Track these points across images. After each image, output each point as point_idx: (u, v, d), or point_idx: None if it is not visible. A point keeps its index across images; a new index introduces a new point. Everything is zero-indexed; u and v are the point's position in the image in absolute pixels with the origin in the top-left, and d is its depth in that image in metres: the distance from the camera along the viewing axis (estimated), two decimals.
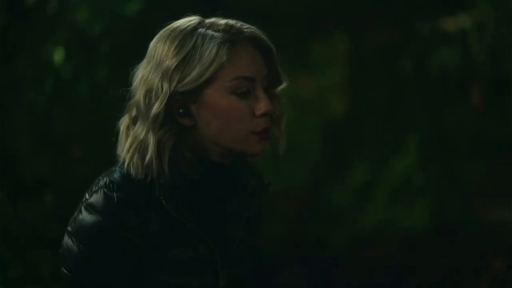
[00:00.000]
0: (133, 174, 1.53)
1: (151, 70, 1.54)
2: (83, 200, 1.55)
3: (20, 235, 3.75)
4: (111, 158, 1.61)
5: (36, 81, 4.11)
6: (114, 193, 1.51)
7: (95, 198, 1.52)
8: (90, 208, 1.52)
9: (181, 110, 1.54)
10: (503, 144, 4.93)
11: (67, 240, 1.55)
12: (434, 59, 4.79)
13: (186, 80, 1.52)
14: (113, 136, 1.63)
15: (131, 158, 1.54)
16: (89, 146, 4.19)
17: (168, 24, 1.58)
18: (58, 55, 4.06)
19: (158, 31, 1.58)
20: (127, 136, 1.58)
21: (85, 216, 1.53)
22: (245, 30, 1.55)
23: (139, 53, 1.60)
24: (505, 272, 4.26)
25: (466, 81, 4.95)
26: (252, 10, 4.44)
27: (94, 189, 1.54)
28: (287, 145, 1.65)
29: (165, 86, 1.52)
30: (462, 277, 4.33)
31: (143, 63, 1.58)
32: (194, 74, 1.51)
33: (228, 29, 1.54)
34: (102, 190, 1.52)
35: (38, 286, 3.65)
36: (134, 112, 1.58)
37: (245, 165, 1.65)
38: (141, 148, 1.54)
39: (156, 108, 1.52)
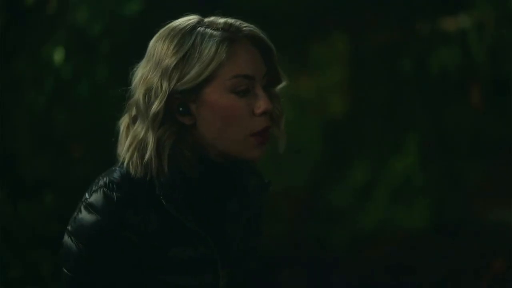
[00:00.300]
0: (133, 173, 1.53)
1: (151, 69, 1.55)
2: (82, 200, 1.55)
3: (20, 235, 3.75)
4: (111, 158, 1.61)
5: (36, 81, 4.11)
6: (114, 193, 1.51)
7: (95, 197, 1.52)
8: (90, 207, 1.52)
9: (180, 109, 1.54)
10: (503, 144, 4.93)
11: (66, 239, 1.55)
12: (434, 59, 4.79)
13: (185, 79, 1.52)
14: (113, 136, 1.63)
15: (131, 157, 1.54)
16: (89, 146, 4.20)
17: (167, 23, 1.58)
18: (58, 55, 4.06)
19: (157, 31, 1.58)
20: (127, 135, 1.58)
21: (84, 215, 1.53)
22: (244, 28, 1.56)
23: (139, 53, 1.60)
24: (505, 272, 4.26)
25: (466, 81, 4.95)
26: (252, 10, 4.44)
27: (93, 188, 1.54)
28: (287, 145, 1.65)
29: (165, 84, 1.52)
30: (462, 277, 4.33)
31: (143, 62, 1.58)
32: (193, 72, 1.52)
33: (227, 27, 1.55)
34: (101, 189, 1.52)
35: (38, 286, 3.65)
36: (133, 112, 1.58)
37: (245, 164, 1.65)
38: (140, 146, 1.54)
39: (155, 106, 1.52)
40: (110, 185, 1.52)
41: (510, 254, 4.27)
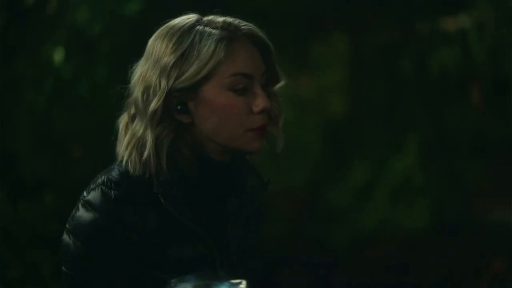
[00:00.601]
0: (131, 171, 1.53)
1: (149, 67, 1.55)
2: (80, 198, 1.55)
3: (20, 235, 3.75)
4: (111, 158, 1.61)
5: (36, 81, 4.11)
6: (112, 191, 1.51)
7: (93, 195, 1.52)
8: (88, 205, 1.52)
9: (179, 107, 1.54)
10: (503, 144, 4.93)
11: (65, 237, 1.55)
12: (434, 59, 4.80)
13: (184, 77, 1.52)
14: (113, 136, 1.63)
15: (129, 155, 1.54)
16: (89, 146, 4.19)
17: (166, 22, 1.58)
18: (58, 55, 4.07)
19: (156, 29, 1.59)
20: (125, 133, 1.58)
21: (82, 213, 1.53)
22: (243, 27, 1.56)
23: (139, 53, 1.60)
24: (505, 272, 4.26)
25: (466, 81, 4.96)
26: (252, 10, 4.44)
27: (92, 186, 1.54)
28: (287, 145, 1.65)
29: (163, 82, 1.52)
30: (462, 277, 4.34)
31: (142, 61, 1.58)
32: (192, 70, 1.52)
33: (226, 26, 1.55)
34: (99, 187, 1.52)
35: (38, 286, 3.65)
36: (132, 110, 1.57)
37: (244, 162, 1.65)
38: (139, 144, 1.54)
39: (154, 104, 1.52)
40: (108, 183, 1.52)
41: (510, 254, 4.27)
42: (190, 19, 1.56)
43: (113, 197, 1.51)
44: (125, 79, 1.60)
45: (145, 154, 1.52)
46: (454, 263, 4.43)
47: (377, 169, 4.96)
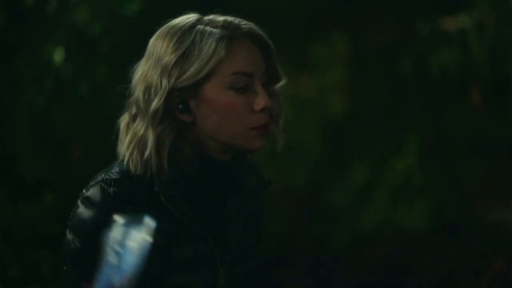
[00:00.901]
0: (132, 170, 1.53)
1: (150, 67, 1.55)
2: (80, 195, 1.55)
3: (20, 235, 3.75)
4: (111, 158, 1.61)
5: (36, 81, 4.11)
6: (111, 188, 1.52)
7: (92, 192, 1.53)
8: (87, 201, 1.52)
9: (180, 106, 1.55)
10: (503, 144, 4.93)
11: (67, 234, 1.55)
12: (434, 59, 4.80)
13: (185, 76, 1.52)
14: (113, 136, 1.63)
15: (131, 155, 1.55)
16: (89, 146, 4.20)
17: (167, 22, 1.59)
18: (58, 55, 4.07)
19: (157, 29, 1.59)
20: (127, 133, 1.58)
21: (81, 210, 1.53)
22: (243, 26, 1.56)
23: (139, 53, 1.60)
24: (505, 272, 4.26)
25: (466, 81, 4.96)
26: (252, 10, 4.43)
27: (91, 183, 1.54)
28: (287, 145, 1.65)
29: (164, 82, 1.52)
30: (462, 277, 4.34)
31: (143, 61, 1.58)
32: (193, 69, 1.52)
33: (226, 25, 1.55)
34: (99, 184, 1.53)
35: (38, 286, 3.65)
36: (133, 109, 1.58)
37: (244, 161, 1.65)
38: (140, 144, 1.54)
39: (155, 104, 1.52)
40: (108, 180, 1.52)
41: (510, 254, 4.27)
42: (191, 19, 1.57)
43: (112, 194, 1.51)
44: (125, 79, 1.60)
45: (147, 153, 1.52)
46: (454, 263, 4.43)
47: (377, 169, 4.97)
